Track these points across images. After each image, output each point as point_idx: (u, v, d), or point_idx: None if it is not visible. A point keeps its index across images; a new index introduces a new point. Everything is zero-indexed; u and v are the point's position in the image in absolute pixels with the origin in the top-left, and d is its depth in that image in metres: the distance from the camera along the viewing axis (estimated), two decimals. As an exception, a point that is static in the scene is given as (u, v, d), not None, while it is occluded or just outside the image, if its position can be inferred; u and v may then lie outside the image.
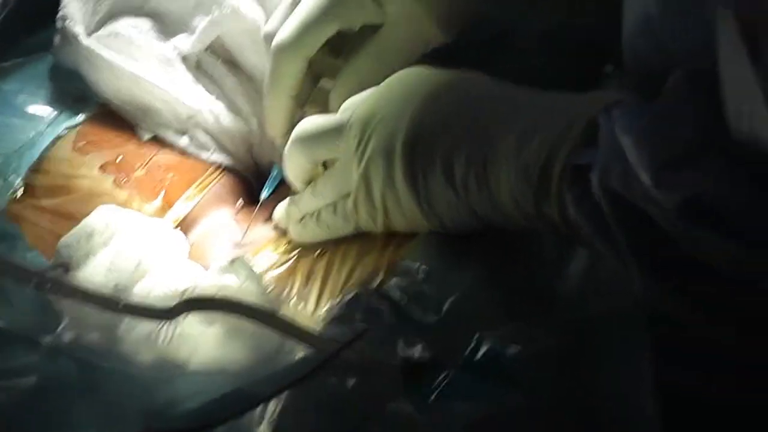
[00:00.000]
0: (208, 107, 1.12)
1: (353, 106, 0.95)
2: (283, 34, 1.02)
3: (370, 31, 1.03)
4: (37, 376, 0.80)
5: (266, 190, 1.08)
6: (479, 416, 0.79)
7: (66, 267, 0.93)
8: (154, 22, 1.14)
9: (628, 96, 0.76)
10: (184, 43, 1.13)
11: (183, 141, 1.11)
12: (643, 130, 0.72)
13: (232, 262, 0.96)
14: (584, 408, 0.80)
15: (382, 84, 0.95)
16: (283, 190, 1.06)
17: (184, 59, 1.13)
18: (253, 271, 0.95)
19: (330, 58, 1.05)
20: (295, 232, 1.01)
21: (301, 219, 1.00)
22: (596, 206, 0.76)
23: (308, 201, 0.99)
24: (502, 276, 0.87)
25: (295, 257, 0.99)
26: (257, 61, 1.13)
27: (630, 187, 0.73)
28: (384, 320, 0.84)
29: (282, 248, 1.02)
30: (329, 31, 1.02)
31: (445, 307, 0.84)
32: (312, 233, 0.99)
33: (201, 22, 1.12)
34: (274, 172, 1.08)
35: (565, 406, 0.80)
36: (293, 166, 1.00)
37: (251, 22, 1.12)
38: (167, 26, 1.14)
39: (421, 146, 0.88)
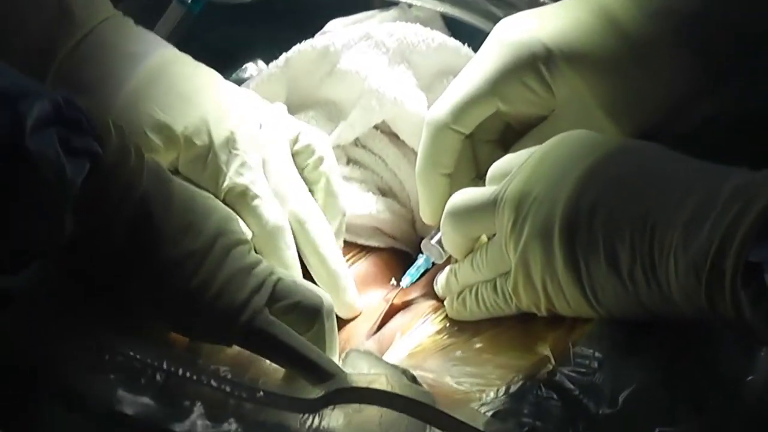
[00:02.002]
0: (358, 209, 1.05)
1: (504, 173, 0.87)
2: (438, 108, 0.96)
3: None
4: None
5: (409, 277, 1.00)
6: None
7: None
8: (316, 112, 1.11)
9: None
10: (344, 132, 1.09)
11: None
12: None
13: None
14: None
15: (536, 151, 0.87)
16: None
17: (339, 149, 1.09)
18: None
19: (499, 151, 0.97)
20: (453, 308, 0.94)
21: (460, 294, 0.93)
22: None
23: (467, 273, 0.92)
24: (681, 368, 0.78)
25: (449, 336, 0.92)
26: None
27: None
28: (554, 414, 0.75)
29: (437, 325, 0.95)
30: (487, 108, 0.95)
31: (621, 398, 0.76)
32: (470, 311, 0.92)
33: (360, 115, 1.08)
34: (420, 261, 1.00)
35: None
36: (449, 241, 0.93)
37: (414, 114, 1.06)
38: (329, 116, 1.11)
39: (581, 230, 0.80)
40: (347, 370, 0.87)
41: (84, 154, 0.75)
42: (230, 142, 0.95)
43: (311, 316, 0.84)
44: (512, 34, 0.93)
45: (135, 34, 0.99)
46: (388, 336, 0.96)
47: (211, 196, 0.89)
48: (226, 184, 0.94)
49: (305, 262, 0.98)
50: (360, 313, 0.99)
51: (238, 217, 0.89)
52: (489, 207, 0.86)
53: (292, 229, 0.96)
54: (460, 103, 0.94)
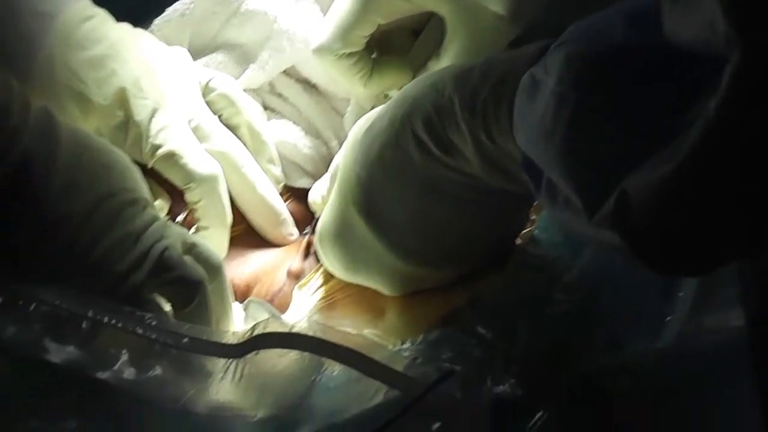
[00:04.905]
0: (285, 136, 1.06)
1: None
2: (323, 38, 0.94)
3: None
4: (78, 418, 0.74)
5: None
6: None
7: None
8: (225, 56, 1.08)
9: None
10: (254, 75, 1.07)
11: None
12: None
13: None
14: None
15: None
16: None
17: (254, 92, 1.07)
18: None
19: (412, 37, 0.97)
20: None
21: None
22: None
23: None
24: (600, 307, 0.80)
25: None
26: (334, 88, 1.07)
27: None
28: (472, 358, 0.75)
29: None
30: (369, 27, 0.93)
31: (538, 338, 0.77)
32: None
33: (271, 56, 1.06)
34: None
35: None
36: None
37: None
38: (238, 59, 1.09)
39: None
40: (248, 319, 0.88)
41: None
42: (149, 111, 0.94)
43: (191, 291, 0.82)
44: None
45: None
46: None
47: (114, 151, 0.85)
48: (148, 150, 0.93)
49: (240, 201, 0.99)
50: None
51: (137, 173, 0.86)
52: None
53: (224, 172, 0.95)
54: (338, 33, 0.93)
